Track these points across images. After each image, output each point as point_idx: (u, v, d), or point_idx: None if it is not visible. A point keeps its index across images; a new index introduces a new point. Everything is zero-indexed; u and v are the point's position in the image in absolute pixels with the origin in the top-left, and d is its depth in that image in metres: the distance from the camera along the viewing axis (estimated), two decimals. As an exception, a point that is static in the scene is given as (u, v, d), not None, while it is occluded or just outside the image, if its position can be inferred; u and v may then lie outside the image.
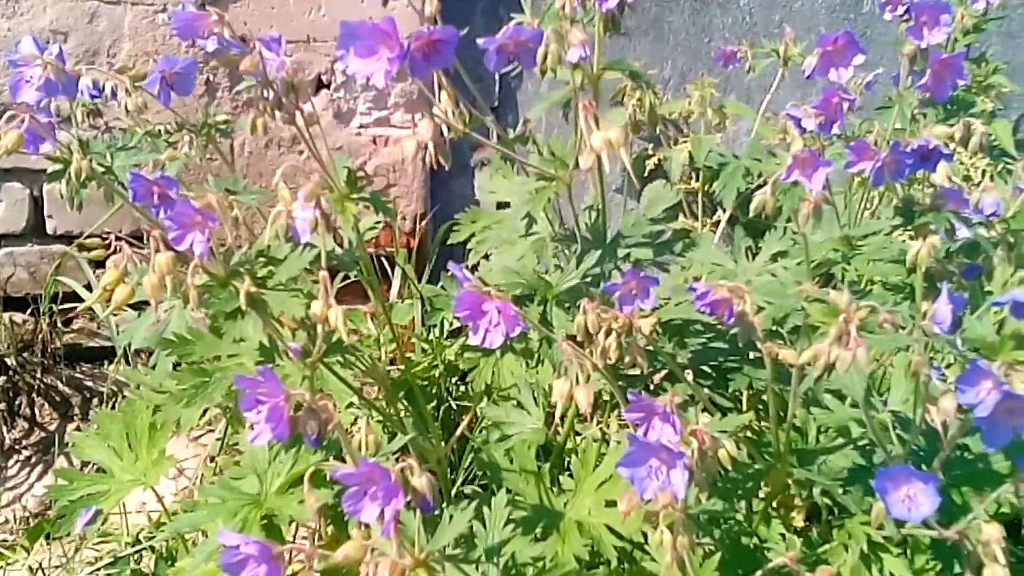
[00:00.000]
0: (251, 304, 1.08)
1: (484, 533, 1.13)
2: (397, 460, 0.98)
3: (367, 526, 1.01)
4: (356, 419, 1.49)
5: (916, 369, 1.03)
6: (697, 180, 2.86)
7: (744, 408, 1.94)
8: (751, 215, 1.23)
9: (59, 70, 1.32)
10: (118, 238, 1.15)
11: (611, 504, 1.38)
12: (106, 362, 2.69)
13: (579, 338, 1.14)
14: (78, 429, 2.63)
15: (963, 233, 1.37)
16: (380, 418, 1.68)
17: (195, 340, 1.46)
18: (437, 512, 1.09)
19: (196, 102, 2.59)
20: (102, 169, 1.53)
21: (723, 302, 1.14)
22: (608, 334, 1.13)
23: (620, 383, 1.69)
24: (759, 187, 1.38)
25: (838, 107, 1.56)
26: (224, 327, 1.17)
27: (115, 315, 2.24)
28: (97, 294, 1.09)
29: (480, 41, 1.31)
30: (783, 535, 1.39)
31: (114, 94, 1.61)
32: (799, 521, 1.85)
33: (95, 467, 1.65)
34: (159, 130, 1.84)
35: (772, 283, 1.22)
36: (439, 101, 1.36)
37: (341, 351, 1.31)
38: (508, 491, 1.34)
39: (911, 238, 1.41)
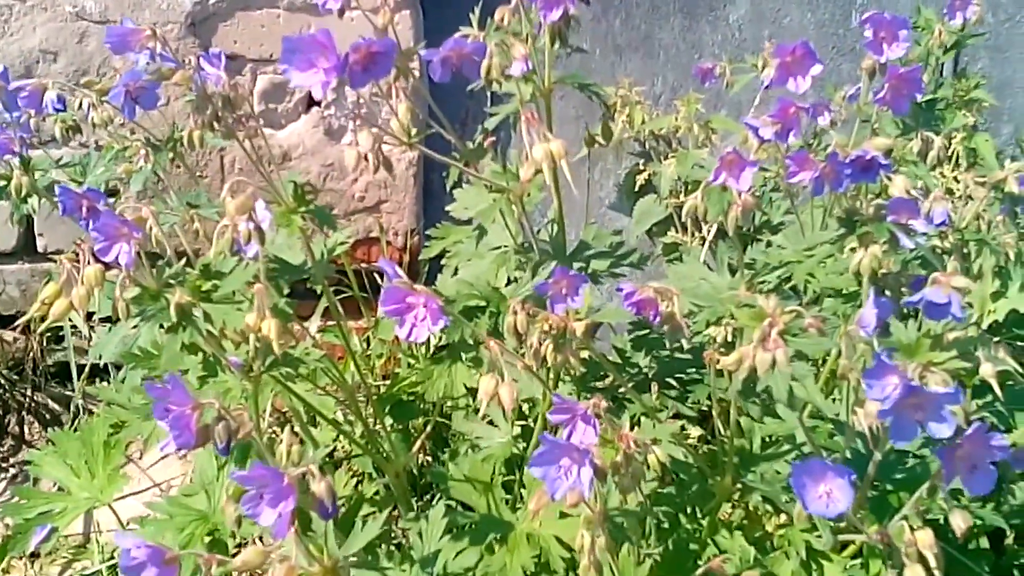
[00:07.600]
0: (181, 316, 1.09)
1: (420, 544, 1.14)
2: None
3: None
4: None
5: (843, 372, 1.03)
6: (686, 194, 2.86)
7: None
8: (682, 219, 1.23)
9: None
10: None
11: (562, 516, 1.37)
12: (97, 379, 2.71)
13: (509, 339, 1.14)
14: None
15: (908, 243, 1.36)
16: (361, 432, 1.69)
17: (158, 354, 1.48)
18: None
19: (181, 116, 2.60)
20: (74, 184, 1.56)
21: (648, 302, 1.15)
22: (543, 336, 1.13)
23: (586, 395, 1.69)
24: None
25: (795, 116, 1.57)
26: (167, 340, 1.18)
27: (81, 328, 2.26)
28: (35, 308, 1.10)
29: (422, 52, 1.32)
30: (740, 545, 1.38)
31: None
32: (772, 528, 1.84)
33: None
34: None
35: (703, 287, 1.22)
36: (398, 114, 1.38)
37: (292, 364, 1.32)
38: (458, 503, 1.34)
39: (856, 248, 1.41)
